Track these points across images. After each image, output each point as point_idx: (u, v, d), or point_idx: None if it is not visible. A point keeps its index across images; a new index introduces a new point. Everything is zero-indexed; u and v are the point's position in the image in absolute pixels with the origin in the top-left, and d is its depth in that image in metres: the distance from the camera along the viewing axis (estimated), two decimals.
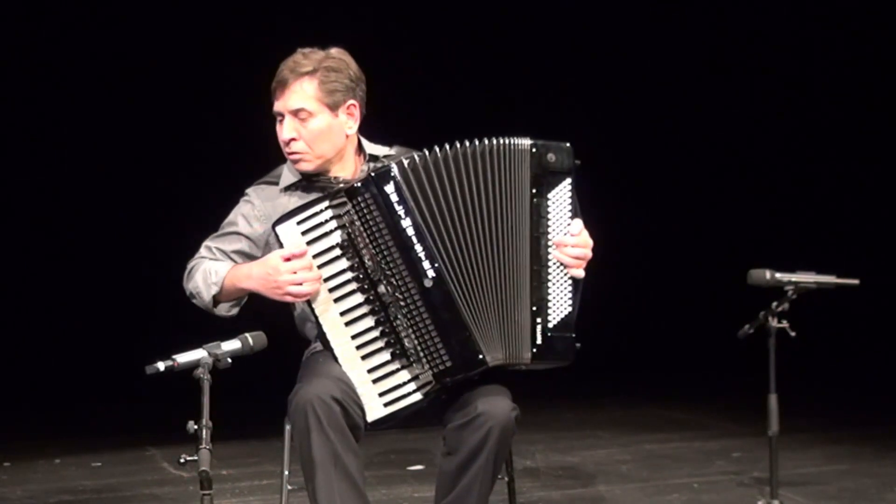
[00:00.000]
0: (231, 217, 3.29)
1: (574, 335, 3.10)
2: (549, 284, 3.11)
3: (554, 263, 3.11)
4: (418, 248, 3.02)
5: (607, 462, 5.24)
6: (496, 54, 7.69)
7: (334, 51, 3.23)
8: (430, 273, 3.02)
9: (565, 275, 3.12)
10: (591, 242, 3.14)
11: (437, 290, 3.02)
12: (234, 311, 3.22)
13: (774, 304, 3.79)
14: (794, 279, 3.80)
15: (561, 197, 3.13)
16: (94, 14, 7.03)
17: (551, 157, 3.10)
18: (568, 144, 3.12)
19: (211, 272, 3.17)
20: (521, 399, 3.10)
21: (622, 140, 7.93)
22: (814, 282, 3.81)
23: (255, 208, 3.27)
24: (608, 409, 6.50)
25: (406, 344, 3.02)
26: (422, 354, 3.02)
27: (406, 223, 3.03)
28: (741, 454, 5.30)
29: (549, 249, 3.11)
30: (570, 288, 3.12)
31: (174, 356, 2.76)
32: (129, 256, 7.17)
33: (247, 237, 3.25)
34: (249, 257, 3.25)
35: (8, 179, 7.06)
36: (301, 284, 3.03)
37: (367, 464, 3.08)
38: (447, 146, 3.08)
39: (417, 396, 3.03)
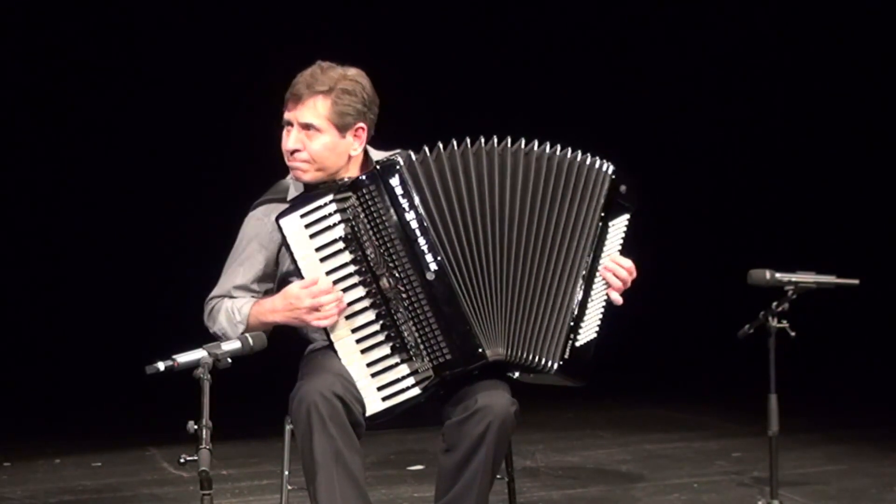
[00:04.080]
0: (242, 241, 3.28)
1: (592, 357, 3.17)
2: (590, 306, 3.18)
3: (598, 289, 3.19)
4: (422, 241, 3.03)
5: (607, 462, 5.24)
6: (495, 56, 7.70)
7: (352, 72, 3.23)
8: (433, 266, 3.02)
9: (603, 300, 3.21)
10: (632, 265, 3.24)
11: (439, 283, 3.02)
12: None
13: (774, 304, 3.78)
14: (794, 279, 3.80)
15: (618, 229, 3.25)
16: (106, 18, 7.06)
17: (623, 189, 3.23)
18: (635, 184, 3.26)
19: (234, 311, 3.19)
20: (521, 399, 3.11)
21: (622, 140, 7.92)
22: (814, 282, 3.81)
23: (265, 225, 3.24)
24: (608, 409, 6.49)
25: (406, 337, 3.03)
26: (422, 347, 3.02)
27: (410, 216, 3.04)
28: (741, 454, 5.30)
29: (599, 273, 3.19)
30: (601, 314, 3.21)
31: (174, 356, 2.76)
32: (130, 257, 7.17)
33: (263, 256, 3.24)
34: (269, 277, 3.25)
35: (10, 180, 7.06)
36: (319, 310, 3.04)
37: (367, 464, 3.07)
38: (492, 141, 3.12)
39: (416, 391, 3.04)
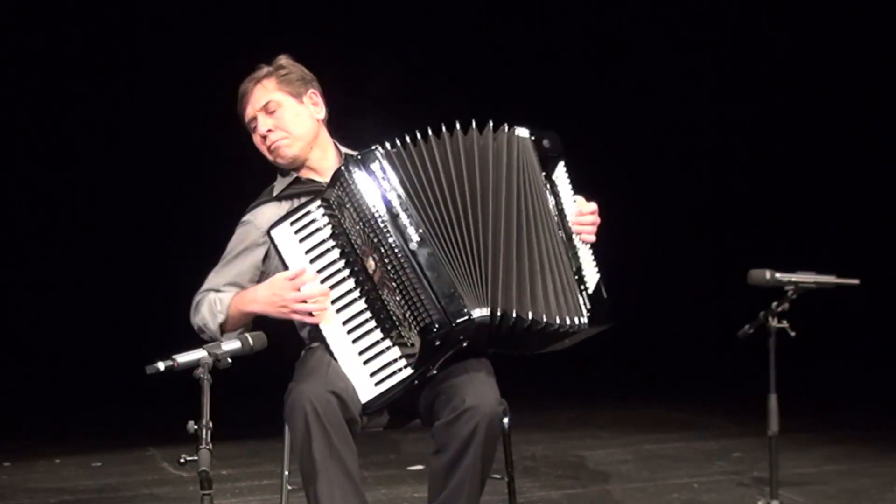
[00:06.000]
0: (233, 243, 3.37)
1: (608, 298, 3.23)
2: (580, 255, 3.26)
3: (577, 236, 3.28)
4: (403, 216, 3.09)
5: (607, 462, 5.24)
6: (494, 55, 7.70)
7: (282, 56, 3.43)
8: (415, 238, 3.07)
9: (587, 246, 3.29)
10: (595, 207, 3.33)
11: (423, 252, 3.07)
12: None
13: (774, 304, 3.78)
14: (794, 279, 3.79)
15: (561, 177, 3.31)
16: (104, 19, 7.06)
17: (546, 143, 3.31)
18: (554, 133, 3.33)
19: (216, 301, 3.27)
20: (521, 398, 3.11)
21: (622, 140, 7.94)
22: (814, 282, 3.81)
23: (256, 227, 3.32)
24: (608, 409, 6.50)
25: (394, 311, 3.06)
26: (408, 315, 3.04)
27: (391, 195, 3.11)
28: (741, 454, 5.30)
29: (570, 225, 3.27)
30: (591, 255, 3.29)
31: (174, 356, 2.76)
32: (130, 257, 7.17)
33: (253, 253, 3.32)
34: (256, 275, 3.32)
35: (10, 180, 7.07)
36: (306, 301, 3.10)
37: (366, 464, 3.07)
38: (441, 132, 3.19)
39: (408, 371, 3.05)
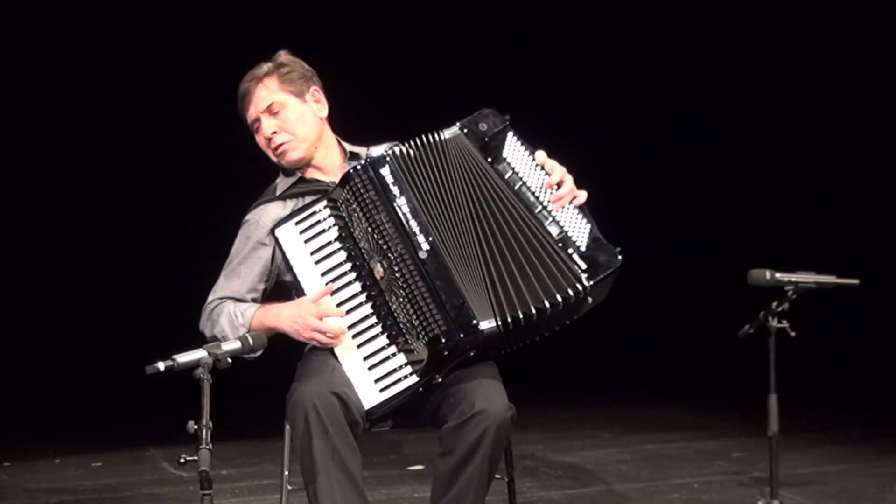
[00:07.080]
0: (238, 245, 3.34)
1: (606, 241, 3.14)
2: (558, 218, 3.16)
3: (549, 202, 3.18)
4: (413, 223, 3.09)
5: (607, 462, 5.24)
6: (486, 51, 7.70)
7: (281, 52, 3.40)
8: (425, 246, 3.07)
9: (570, 209, 3.18)
10: (563, 169, 3.22)
11: (432, 261, 3.06)
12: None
13: (774, 304, 3.78)
14: (794, 279, 3.79)
15: (513, 149, 3.26)
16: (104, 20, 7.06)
17: (482, 126, 3.27)
18: (489, 109, 3.28)
19: (237, 315, 3.23)
20: (521, 398, 3.10)
21: (622, 139, 7.94)
22: (814, 282, 3.80)
23: (261, 226, 3.31)
24: (608, 409, 6.50)
25: (401, 319, 3.06)
26: (416, 323, 3.04)
27: (401, 201, 3.11)
28: (741, 454, 5.30)
29: (538, 193, 3.19)
30: (576, 211, 3.18)
31: (174, 356, 2.76)
32: (130, 257, 7.17)
33: (261, 253, 3.30)
34: (267, 274, 3.30)
35: (11, 181, 7.07)
36: (325, 333, 3.10)
37: (366, 464, 3.07)
38: (425, 139, 3.20)
39: (413, 379, 3.04)
